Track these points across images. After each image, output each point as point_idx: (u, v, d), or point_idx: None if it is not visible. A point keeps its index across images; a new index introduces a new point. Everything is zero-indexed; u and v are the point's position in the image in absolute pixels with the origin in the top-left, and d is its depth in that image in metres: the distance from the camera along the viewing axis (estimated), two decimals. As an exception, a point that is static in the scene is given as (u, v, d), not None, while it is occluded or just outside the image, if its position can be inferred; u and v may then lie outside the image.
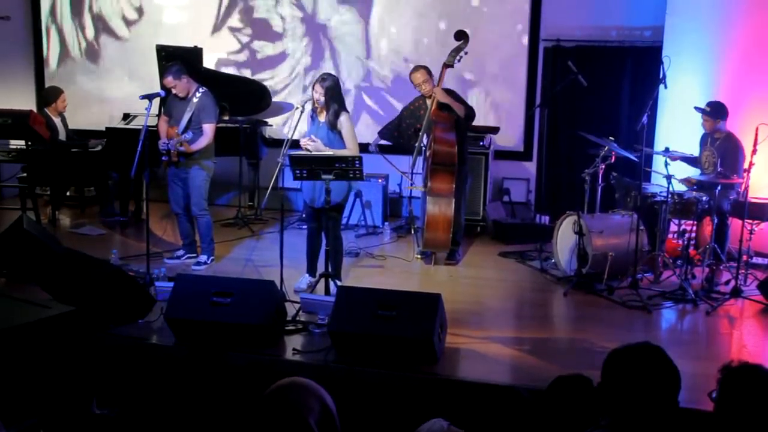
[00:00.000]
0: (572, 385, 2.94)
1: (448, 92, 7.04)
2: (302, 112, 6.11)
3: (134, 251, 7.07)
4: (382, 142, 7.46)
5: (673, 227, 6.92)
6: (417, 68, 7.07)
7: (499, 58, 8.91)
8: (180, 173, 6.80)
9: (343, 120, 6.06)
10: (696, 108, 6.85)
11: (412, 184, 7.43)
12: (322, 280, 5.85)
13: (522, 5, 8.78)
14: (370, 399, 4.49)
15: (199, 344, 4.99)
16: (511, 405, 2.59)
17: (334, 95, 6.05)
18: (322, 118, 6.11)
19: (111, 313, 5.22)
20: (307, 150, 6.02)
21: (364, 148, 6.37)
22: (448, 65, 7.05)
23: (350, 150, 6.04)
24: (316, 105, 6.06)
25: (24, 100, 9.62)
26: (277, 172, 5.98)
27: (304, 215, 7.08)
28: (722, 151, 6.70)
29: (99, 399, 2.64)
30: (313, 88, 6.08)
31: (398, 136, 7.38)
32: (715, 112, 6.76)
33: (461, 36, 7.10)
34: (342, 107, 6.10)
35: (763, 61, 7.19)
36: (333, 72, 7.75)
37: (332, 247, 6.09)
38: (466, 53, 7.10)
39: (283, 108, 9.11)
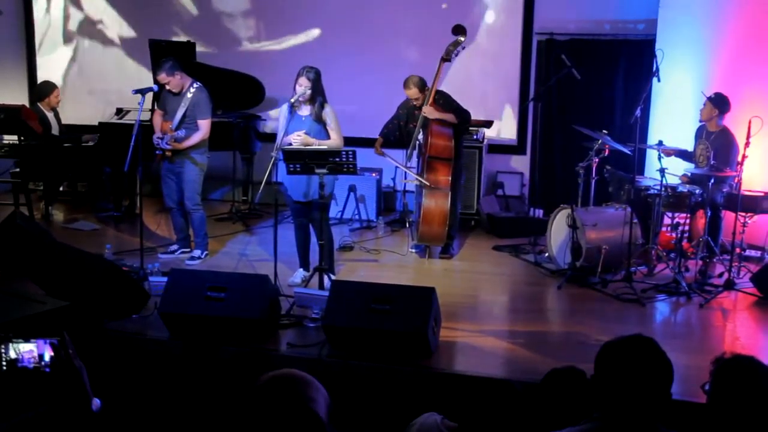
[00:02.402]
0: (566, 378, 2.94)
1: (438, 97, 7.01)
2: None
3: (128, 246, 7.06)
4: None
5: (667, 220, 6.93)
6: (409, 83, 6.97)
7: (493, 51, 8.90)
8: (174, 168, 6.79)
9: (328, 111, 6.06)
10: (702, 93, 6.85)
11: (407, 177, 7.40)
12: (316, 274, 5.85)
13: (516, -1, 8.79)
14: (365, 393, 4.49)
15: (193, 339, 4.99)
16: (505, 398, 2.59)
17: (318, 87, 6.04)
18: (304, 111, 6.09)
19: (105, 308, 5.21)
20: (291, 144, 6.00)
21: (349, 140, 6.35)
22: (445, 60, 7.03)
23: (335, 141, 6.05)
24: (301, 98, 6.02)
25: (17, 95, 9.58)
26: (270, 166, 5.97)
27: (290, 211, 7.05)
28: (716, 144, 6.72)
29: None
30: (297, 82, 6.05)
31: (400, 135, 7.32)
32: (719, 101, 6.76)
33: (459, 31, 7.06)
34: (325, 98, 6.10)
35: (756, 54, 7.20)
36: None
37: (326, 240, 6.09)
38: (463, 48, 7.08)
39: (278, 102, 9.08)
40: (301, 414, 2.08)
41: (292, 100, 6.00)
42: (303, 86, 5.98)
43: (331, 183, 6.12)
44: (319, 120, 6.05)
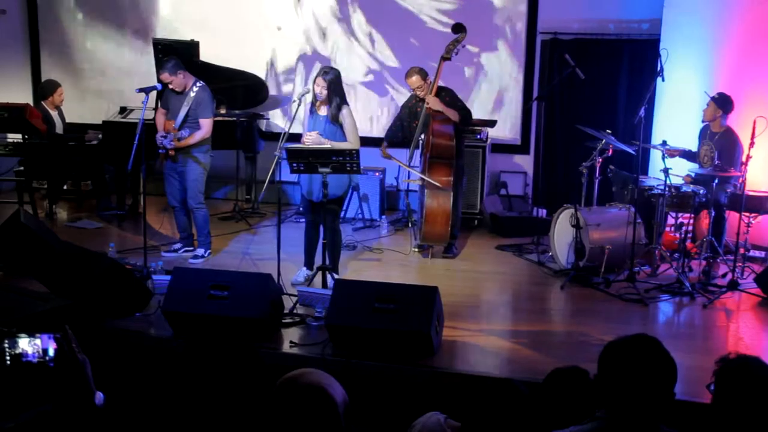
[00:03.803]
0: (569, 378, 2.94)
1: (444, 93, 7.01)
2: (299, 105, 6.09)
3: (131, 245, 7.07)
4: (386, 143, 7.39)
5: (671, 220, 6.93)
6: (412, 72, 7.00)
7: (497, 51, 8.90)
8: (177, 167, 6.79)
9: (345, 113, 6.05)
10: (705, 93, 6.85)
11: (410, 177, 7.40)
12: (320, 273, 5.85)
13: (519, -2, 8.79)
14: (367, 392, 4.49)
15: (196, 337, 4.98)
16: (507, 398, 2.59)
17: (336, 88, 6.03)
18: (323, 111, 6.09)
19: (108, 306, 5.22)
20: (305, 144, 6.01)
21: (364, 141, 6.36)
22: (445, 58, 7.03)
23: (351, 143, 6.02)
24: (318, 98, 6.03)
25: (21, 94, 9.59)
26: (274, 165, 5.97)
27: (301, 208, 7.05)
28: (720, 144, 6.70)
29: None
30: (314, 82, 6.05)
31: (403, 136, 7.31)
32: (722, 101, 6.76)
33: (459, 29, 7.07)
34: (343, 100, 6.09)
35: (760, 54, 7.18)
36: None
37: (330, 240, 6.08)
38: (463, 46, 7.08)
39: (281, 101, 9.09)
40: (317, 397, 2.12)
41: (298, 98, 6.00)
42: (319, 86, 5.98)
43: (343, 184, 6.10)
44: (336, 121, 6.04)
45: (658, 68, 6.40)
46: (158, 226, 7.74)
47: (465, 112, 7.00)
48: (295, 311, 5.47)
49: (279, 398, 2.19)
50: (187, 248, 7.02)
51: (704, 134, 6.97)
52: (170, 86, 6.66)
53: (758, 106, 6.70)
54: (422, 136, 7.05)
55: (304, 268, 6.34)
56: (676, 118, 7.61)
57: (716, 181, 6.37)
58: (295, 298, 5.60)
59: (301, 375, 2.25)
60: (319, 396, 2.15)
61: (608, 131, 6.88)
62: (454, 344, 5.09)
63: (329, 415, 2.14)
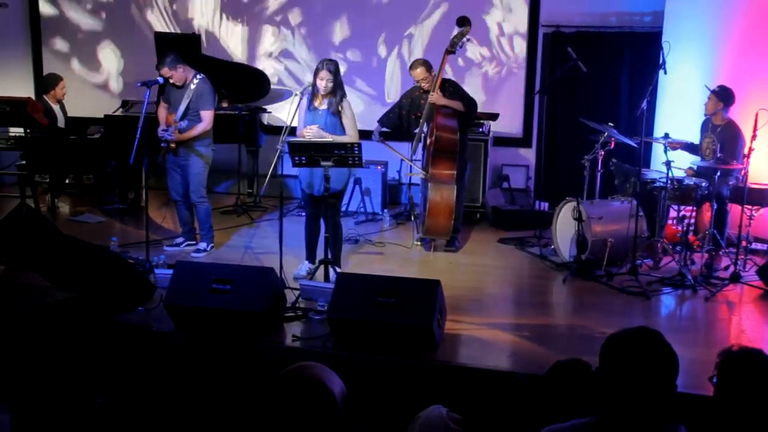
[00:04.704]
0: (571, 371, 2.94)
1: (448, 85, 7.00)
2: (302, 98, 6.08)
3: (133, 239, 7.08)
4: (384, 129, 7.39)
5: (673, 213, 6.92)
6: (416, 64, 6.98)
7: (499, 44, 8.88)
8: (179, 161, 6.79)
9: (346, 106, 6.05)
10: (706, 86, 6.84)
11: (411, 170, 7.40)
12: (322, 267, 5.86)
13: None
14: (370, 386, 4.49)
15: (198, 331, 4.99)
16: (509, 391, 2.60)
17: (338, 80, 6.03)
18: (323, 105, 6.08)
19: (111, 300, 5.23)
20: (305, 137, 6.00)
21: (364, 134, 6.35)
22: (450, 52, 7.00)
23: (351, 137, 6.02)
24: (322, 91, 6.02)
25: (22, 88, 9.58)
26: (276, 159, 5.97)
27: (302, 202, 7.06)
28: (722, 137, 6.70)
29: (98, 386, 2.65)
30: (317, 75, 6.04)
31: (400, 124, 7.31)
32: (723, 94, 6.74)
33: (464, 22, 7.03)
34: (344, 93, 6.09)
35: (763, 47, 7.17)
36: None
37: (331, 234, 6.08)
38: (468, 40, 7.06)
39: (283, 95, 9.08)
40: (314, 390, 2.13)
41: (300, 91, 5.99)
42: (324, 79, 5.97)
43: (343, 178, 6.10)
44: (336, 114, 6.04)
45: (661, 61, 6.38)
46: (160, 221, 7.74)
47: (469, 101, 6.97)
48: (297, 305, 5.47)
49: (279, 392, 2.20)
50: (189, 242, 7.02)
51: (706, 127, 6.96)
52: (171, 80, 6.66)
53: (760, 98, 6.69)
54: (425, 129, 7.05)
55: (306, 262, 6.35)
56: (679, 110, 7.60)
57: (718, 173, 6.36)
58: (297, 292, 5.60)
59: (300, 368, 2.26)
60: (316, 389, 2.16)
61: (610, 124, 6.87)
62: (456, 338, 5.10)
63: (327, 408, 2.15)
